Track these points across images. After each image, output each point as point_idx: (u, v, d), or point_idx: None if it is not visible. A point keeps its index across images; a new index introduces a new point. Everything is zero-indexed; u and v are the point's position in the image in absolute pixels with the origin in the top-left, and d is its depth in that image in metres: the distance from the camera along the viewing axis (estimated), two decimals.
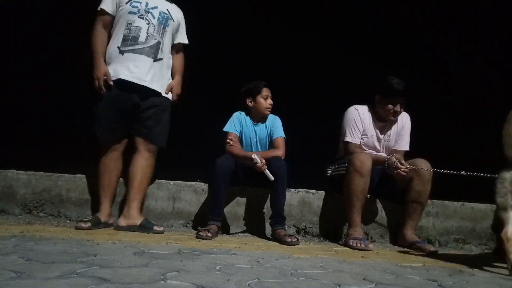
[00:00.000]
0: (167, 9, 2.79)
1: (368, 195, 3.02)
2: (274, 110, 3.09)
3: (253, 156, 2.76)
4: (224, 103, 3.26)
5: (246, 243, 2.47)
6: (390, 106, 2.88)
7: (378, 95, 2.96)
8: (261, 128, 3.05)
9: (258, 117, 3.06)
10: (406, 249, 2.71)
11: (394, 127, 3.03)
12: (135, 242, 2.16)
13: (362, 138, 2.98)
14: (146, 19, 2.69)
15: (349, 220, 2.75)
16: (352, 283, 1.50)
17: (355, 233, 2.66)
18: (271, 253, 2.14)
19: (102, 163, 2.74)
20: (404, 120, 3.05)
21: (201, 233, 2.53)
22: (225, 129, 3.03)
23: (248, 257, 1.91)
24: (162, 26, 2.76)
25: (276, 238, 2.69)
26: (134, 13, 2.68)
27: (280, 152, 2.90)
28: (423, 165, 2.76)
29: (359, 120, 2.96)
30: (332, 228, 2.98)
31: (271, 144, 3.01)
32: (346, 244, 2.64)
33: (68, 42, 4.57)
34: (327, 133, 3.15)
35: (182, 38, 2.96)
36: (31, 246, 1.81)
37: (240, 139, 3.04)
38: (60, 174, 3.12)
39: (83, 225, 2.51)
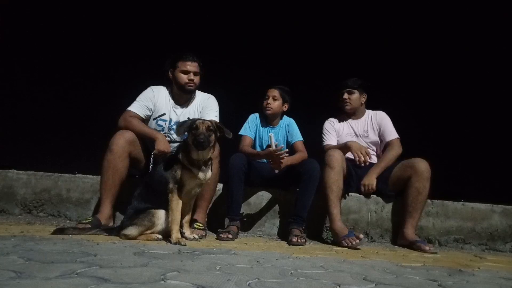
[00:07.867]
0: (187, 117, 2.83)
1: (371, 196, 3.04)
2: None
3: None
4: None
5: (246, 243, 2.48)
6: (340, 98, 3.28)
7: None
8: (276, 129, 3.11)
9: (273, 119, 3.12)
10: (406, 249, 2.71)
11: (369, 124, 3.23)
12: (135, 242, 2.17)
13: (339, 136, 3.22)
14: (169, 137, 2.89)
15: (328, 215, 2.79)
16: (352, 283, 1.50)
17: (339, 230, 2.66)
18: (271, 253, 2.14)
19: (107, 160, 2.62)
20: (378, 118, 3.24)
21: (221, 235, 2.53)
22: (241, 132, 3.09)
23: (248, 257, 1.91)
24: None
25: (286, 236, 2.69)
26: (160, 130, 2.88)
27: (305, 155, 3.01)
28: (421, 165, 2.82)
29: (330, 126, 3.30)
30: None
31: (290, 147, 3.08)
32: (339, 245, 2.64)
33: (68, 43, 4.57)
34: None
35: (210, 116, 2.89)
36: (31, 246, 1.81)
37: (255, 141, 3.10)
38: (60, 174, 3.12)
39: (81, 228, 2.41)
